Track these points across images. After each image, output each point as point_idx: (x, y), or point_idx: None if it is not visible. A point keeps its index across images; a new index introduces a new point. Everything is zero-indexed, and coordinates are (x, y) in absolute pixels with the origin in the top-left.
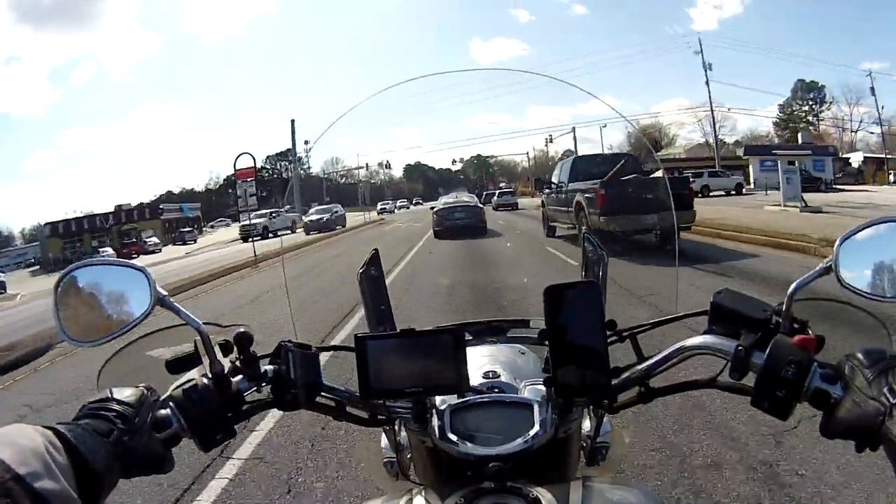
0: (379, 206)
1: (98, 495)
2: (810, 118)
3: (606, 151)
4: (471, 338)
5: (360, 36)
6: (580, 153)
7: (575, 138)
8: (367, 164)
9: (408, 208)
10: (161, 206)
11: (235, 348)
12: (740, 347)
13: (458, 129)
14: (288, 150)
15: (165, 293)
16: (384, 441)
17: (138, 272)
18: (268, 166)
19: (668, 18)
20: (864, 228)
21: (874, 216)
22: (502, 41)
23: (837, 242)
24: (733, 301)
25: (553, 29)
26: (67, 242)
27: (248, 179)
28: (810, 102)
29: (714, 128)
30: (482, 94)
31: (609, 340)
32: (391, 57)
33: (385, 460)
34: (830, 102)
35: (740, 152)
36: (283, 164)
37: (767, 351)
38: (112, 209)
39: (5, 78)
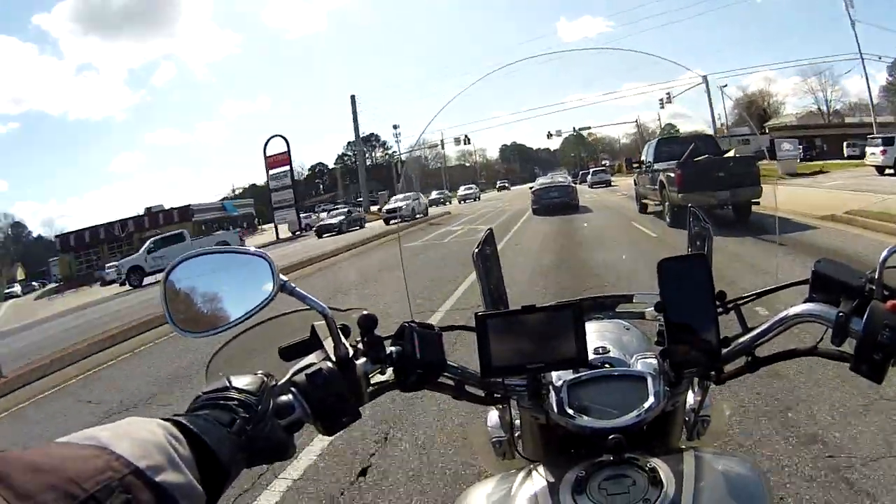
0: (461, 192)
1: (222, 486)
2: None
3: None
4: None
5: (445, 20)
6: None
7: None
8: (441, 142)
9: (476, 199)
10: (191, 206)
11: (359, 331)
12: (841, 314)
13: (555, 109)
14: (372, 134)
15: (286, 279)
16: (491, 421)
17: (260, 259)
18: (350, 153)
19: None
20: None
21: None
22: (588, 19)
23: None
24: (832, 269)
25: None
26: (81, 256)
27: (282, 168)
28: None
29: (867, 82)
30: (577, 73)
31: (718, 311)
32: (477, 40)
33: (493, 440)
34: None
35: (851, 119)
36: (367, 149)
37: (865, 316)
38: (142, 212)
39: (81, 86)
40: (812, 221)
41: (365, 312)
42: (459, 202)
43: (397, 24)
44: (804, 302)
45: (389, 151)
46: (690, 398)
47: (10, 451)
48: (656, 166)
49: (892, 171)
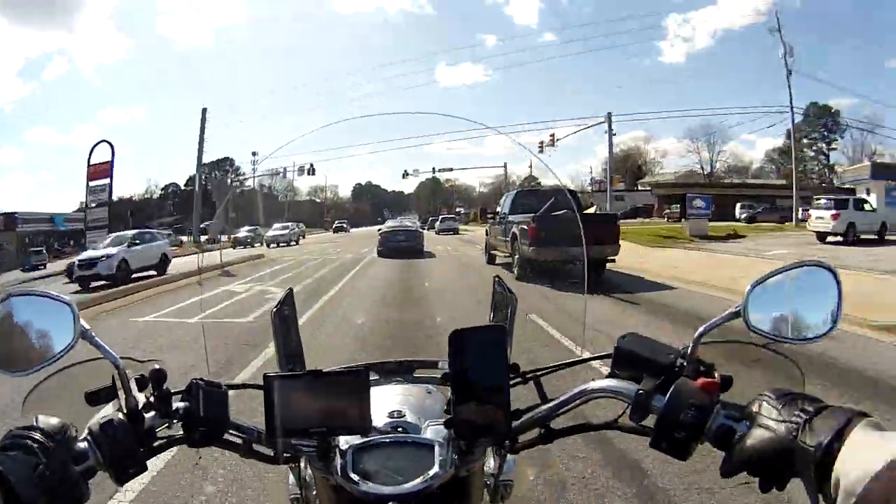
0: (270, 232)
1: None
2: (822, 146)
3: (546, 187)
4: (378, 377)
5: (328, 53)
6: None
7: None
8: (283, 169)
9: (294, 242)
10: (16, 214)
11: (150, 384)
12: (640, 392)
13: (417, 154)
14: (226, 158)
15: (88, 327)
16: (291, 478)
17: (64, 305)
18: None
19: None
20: (776, 274)
21: None
22: (468, 66)
23: (748, 287)
24: (637, 345)
25: (518, 55)
26: None
27: (103, 180)
28: (822, 129)
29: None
30: (443, 123)
31: (513, 382)
32: (354, 75)
33: (292, 497)
34: (845, 129)
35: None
36: (220, 173)
37: (668, 395)
38: None
39: None
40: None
41: (156, 366)
42: (268, 245)
43: (282, 48)
44: (607, 377)
45: (241, 178)
46: (492, 463)
47: None
48: (510, 218)
49: (837, 238)
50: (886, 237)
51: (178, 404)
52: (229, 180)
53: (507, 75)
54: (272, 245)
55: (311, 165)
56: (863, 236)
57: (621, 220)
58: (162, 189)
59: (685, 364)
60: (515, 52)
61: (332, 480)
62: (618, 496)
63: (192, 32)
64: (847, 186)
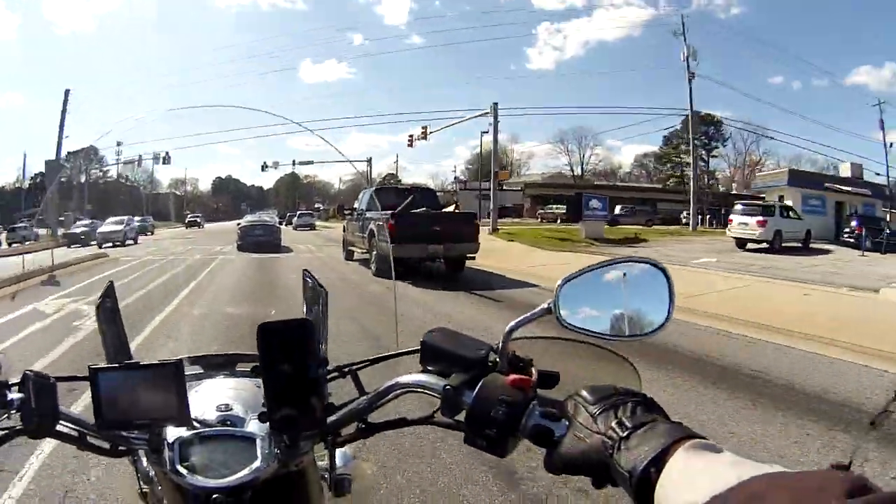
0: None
1: None
2: (703, 153)
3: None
4: (201, 370)
5: (202, 46)
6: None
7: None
8: (139, 157)
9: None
10: None
11: None
12: (448, 387)
13: (279, 147)
14: (91, 147)
15: None
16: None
17: None
18: (66, 164)
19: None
20: (583, 273)
21: None
22: (333, 63)
23: (558, 283)
24: (446, 340)
25: (384, 56)
26: None
27: None
28: (703, 137)
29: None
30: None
31: (330, 376)
32: (223, 66)
33: (139, 490)
34: (727, 138)
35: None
36: (84, 163)
37: (476, 391)
38: None
39: None
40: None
41: None
42: (99, 245)
43: (154, 40)
44: (419, 371)
45: (103, 169)
46: (328, 458)
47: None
48: (368, 214)
49: (760, 245)
50: (811, 245)
51: (13, 395)
52: (64, 165)
53: (374, 73)
54: (105, 244)
55: (167, 154)
56: (788, 244)
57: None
58: (31, 178)
59: (497, 360)
60: (382, 52)
61: (168, 474)
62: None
63: (66, 17)
64: (755, 193)
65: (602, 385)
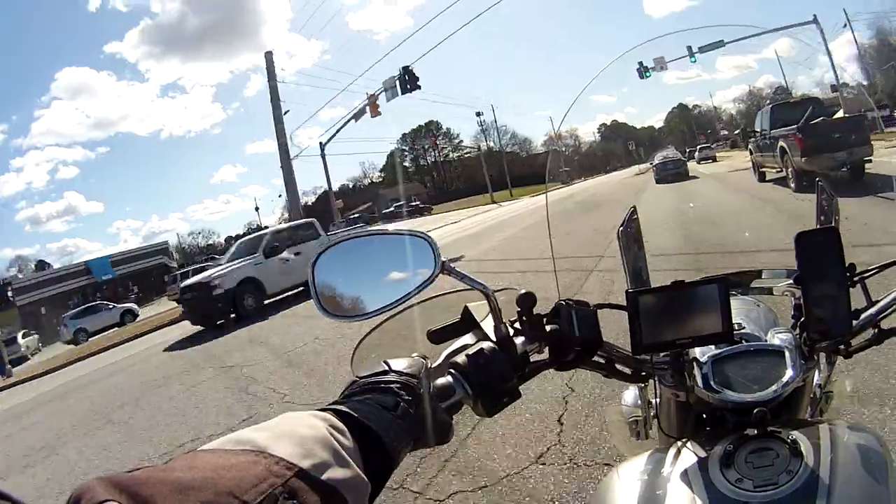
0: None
1: (388, 472)
2: None
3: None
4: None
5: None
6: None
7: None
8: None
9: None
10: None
11: (517, 311)
12: None
13: (654, 88)
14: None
15: (446, 259)
16: (627, 400)
17: (421, 240)
18: (404, 147)
19: None
20: None
21: None
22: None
23: None
24: None
25: None
26: None
27: None
28: None
29: None
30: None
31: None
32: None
33: (630, 420)
34: None
35: None
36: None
37: None
38: None
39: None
40: None
41: (523, 291)
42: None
43: None
44: None
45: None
46: (817, 373)
47: (149, 467)
48: (773, 133)
49: None
50: None
51: (548, 327)
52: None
53: None
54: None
55: (410, 73)
56: None
57: None
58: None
59: None
60: None
61: (682, 397)
62: None
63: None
64: None
65: None
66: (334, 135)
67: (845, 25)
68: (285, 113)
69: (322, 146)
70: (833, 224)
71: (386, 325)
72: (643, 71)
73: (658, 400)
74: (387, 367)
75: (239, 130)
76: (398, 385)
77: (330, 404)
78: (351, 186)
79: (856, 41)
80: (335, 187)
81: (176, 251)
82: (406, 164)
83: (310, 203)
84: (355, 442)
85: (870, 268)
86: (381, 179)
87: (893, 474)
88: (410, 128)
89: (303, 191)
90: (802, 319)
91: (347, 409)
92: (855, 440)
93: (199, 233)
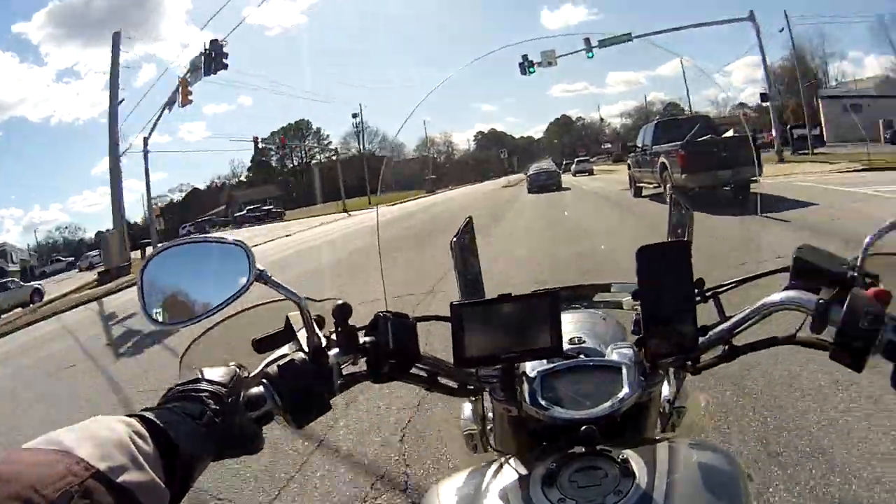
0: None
1: (188, 481)
2: None
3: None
4: None
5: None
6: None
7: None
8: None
9: None
10: None
11: (333, 321)
12: (821, 301)
13: (538, 99)
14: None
15: (263, 268)
16: (464, 413)
17: (237, 248)
18: (272, 146)
19: None
20: None
21: None
22: (569, 7)
23: None
24: (814, 256)
25: None
26: None
27: None
28: None
29: None
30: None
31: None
32: (459, 35)
33: (466, 432)
34: None
35: None
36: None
37: (846, 304)
38: None
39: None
40: None
41: (340, 302)
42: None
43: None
44: (784, 289)
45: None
46: (666, 389)
47: None
48: (655, 148)
49: None
50: None
51: (363, 339)
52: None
53: None
54: None
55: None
56: None
57: None
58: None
59: (855, 276)
60: None
61: (514, 411)
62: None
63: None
64: None
65: None
66: (153, 128)
67: (781, 30)
68: (120, 102)
69: (145, 141)
70: (686, 238)
71: (218, 331)
72: (526, 66)
73: (492, 414)
74: (199, 376)
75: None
76: (207, 394)
77: (142, 410)
78: (219, 185)
79: (764, 61)
80: (200, 186)
81: (33, 250)
82: (273, 163)
83: (175, 201)
84: (156, 448)
85: (723, 283)
86: (246, 179)
87: (744, 493)
88: (280, 125)
89: (168, 188)
90: (641, 335)
91: (150, 416)
92: (698, 458)
93: (66, 227)
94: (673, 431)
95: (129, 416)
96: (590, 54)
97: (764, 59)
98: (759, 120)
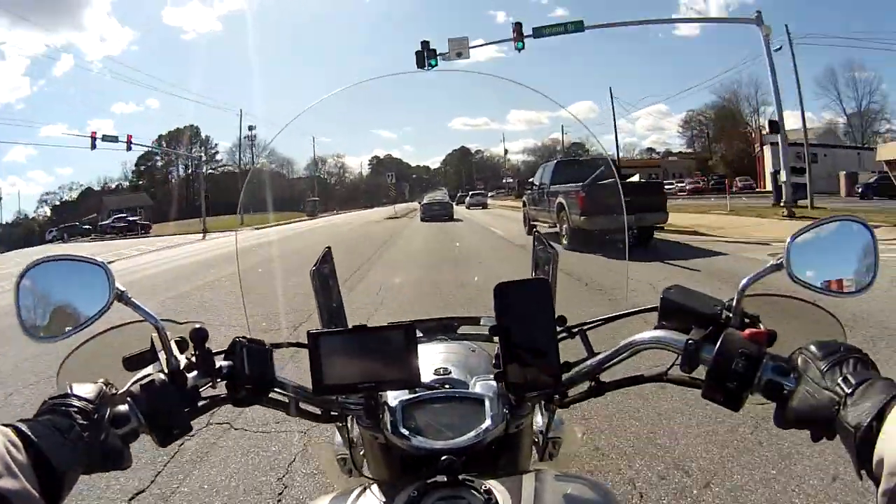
0: None
1: (59, 492)
2: None
3: (585, 157)
4: (422, 335)
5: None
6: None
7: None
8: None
9: None
10: None
11: (191, 345)
12: (690, 341)
13: (439, 131)
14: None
15: (124, 289)
16: (338, 437)
17: (97, 267)
18: (156, 149)
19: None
20: (813, 227)
21: None
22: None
23: (788, 240)
24: (683, 297)
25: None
26: None
27: None
28: None
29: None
30: (461, 97)
31: (560, 336)
32: (374, 59)
33: (338, 457)
34: None
35: None
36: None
37: (717, 344)
38: None
39: None
40: None
41: (197, 326)
42: None
43: (292, 28)
44: (654, 329)
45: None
46: (540, 420)
47: None
48: (553, 188)
49: None
50: None
51: (221, 363)
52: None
53: None
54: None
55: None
56: None
57: None
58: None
59: (730, 316)
60: None
61: (381, 438)
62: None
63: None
64: None
65: (827, 340)
66: None
67: (779, 49)
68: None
69: None
70: (549, 276)
71: (93, 346)
72: (426, 58)
73: (361, 439)
74: (69, 391)
75: (37, 110)
76: (75, 409)
77: (17, 421)
78: (112, 187)
79: (773, 72)
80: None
81: None
82: (156, 170)
83: (68, 199)
84: (29, 459)
85: (589, 321)
86: (130, 184)
87: None
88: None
89: (59, 186)
90: (500, 370)
91: (22, 428)
92: (568, 490)
93: None
94: (551, 461)
95: (5, 426)
96: (519, 44)
97: (773, 69)
98: (679, 164)
